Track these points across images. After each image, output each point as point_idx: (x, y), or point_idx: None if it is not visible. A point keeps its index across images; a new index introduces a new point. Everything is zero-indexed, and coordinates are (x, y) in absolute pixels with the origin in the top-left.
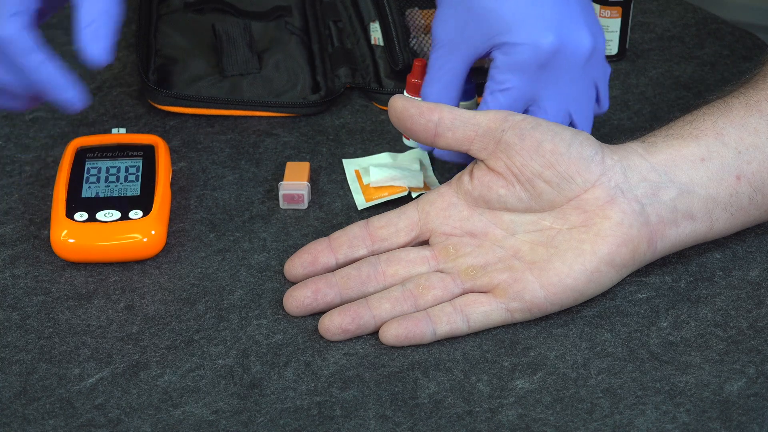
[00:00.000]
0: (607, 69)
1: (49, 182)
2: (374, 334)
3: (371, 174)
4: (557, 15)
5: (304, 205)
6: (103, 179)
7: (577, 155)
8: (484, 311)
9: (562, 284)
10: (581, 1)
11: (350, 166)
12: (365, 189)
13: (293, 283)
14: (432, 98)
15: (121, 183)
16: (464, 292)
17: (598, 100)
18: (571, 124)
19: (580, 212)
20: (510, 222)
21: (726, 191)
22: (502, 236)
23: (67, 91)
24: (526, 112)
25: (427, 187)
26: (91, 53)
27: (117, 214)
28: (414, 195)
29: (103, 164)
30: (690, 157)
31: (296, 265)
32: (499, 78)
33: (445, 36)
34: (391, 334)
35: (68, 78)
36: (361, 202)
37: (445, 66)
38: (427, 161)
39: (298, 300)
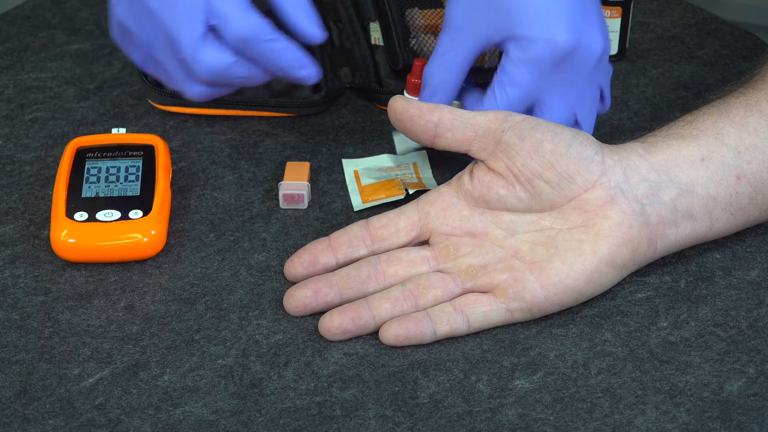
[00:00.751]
0: (611, 69)
1: (49, 182)
2: (374, 334)
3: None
4: (575, 14)
5: (304, 205)
6: (103, 179)
7: (577, 155)
8: (484, 311)
9: (563, 284)
10: (596, 3)
11: (349, 166)
12: (362, 190)
13: (293, 283)
14: (435, 79)
15: (121, 183)
16: (464, 292)
17: (601, 99)
18: (575, 124)
19: (580, 212)
20: (510, 222)
21: (726, 191)
22: (502, 236)
23: (306, 69)
24: (530, 110)
25: (422, 183)
26: (311, 32)
27: (117, 214)
28: (411, 191)
29: (103, 164)
30: (690, 157)
31: (296, 265)
32: (512, 71)
33: (460, 19)
34: (391, 334)
35: (305, 57)
36: (357, 203)
37: (455, 50)
38: (425, 161)
39: (298, 300)
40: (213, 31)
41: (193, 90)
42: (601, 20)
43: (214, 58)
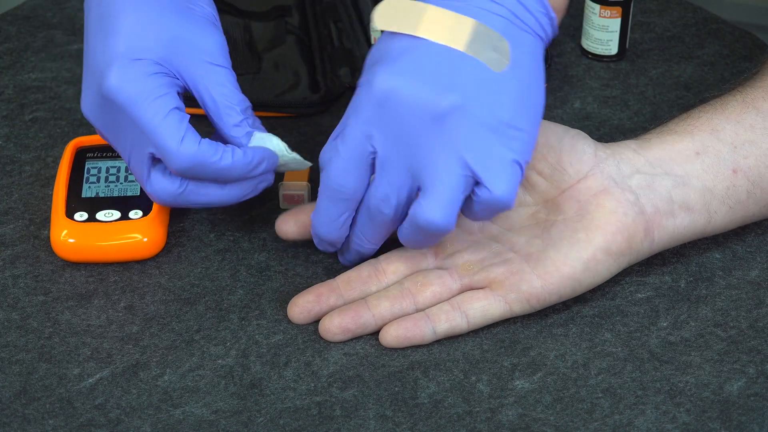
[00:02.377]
0: (510, 160)
1: (49, 182)
2: (374, 334)
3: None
4: (415, 61)
5: None
6: (103, 179)
7: (569, 147)
8: (482, 306)
9: (559, 273)
10: (469, 64)
11: None
12: None
13: (293, 283)
14: None
15: (121, 183)
16: (462, 288)
17: (478, 184)
18: (419, 191)
19: (573, 202)
20: (505, 216)
21: (723, 183)
22: (497, 231)
23: (262, 165)
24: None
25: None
26: (236, 141)
27: (117, 214)
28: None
29: (103, 164)
30: (684, 152)
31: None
32: (352, 103)
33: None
34: (390, 335)
35: (257, 156)
36: None
37: None
38: None
39: (302, 306)
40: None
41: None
42: (467, 82)
43: (163, 188)
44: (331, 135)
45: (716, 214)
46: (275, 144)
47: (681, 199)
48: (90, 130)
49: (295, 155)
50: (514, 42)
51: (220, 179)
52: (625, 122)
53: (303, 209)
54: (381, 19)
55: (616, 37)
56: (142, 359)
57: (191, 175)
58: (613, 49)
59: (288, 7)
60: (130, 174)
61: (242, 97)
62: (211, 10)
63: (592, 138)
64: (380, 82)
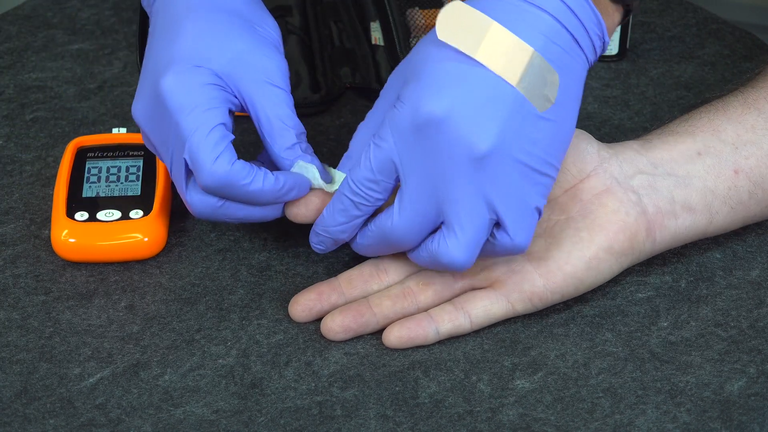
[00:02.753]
0: (529, 213)
1: (50, 182)
2: (374, 334)
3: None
4: (465, 93)
5: None
6: (103, 179)
7: (572, 147)
8: (484, 306)
9: (561, 272)
10: (523, 109)
11: None
12: None
13: (294, 283)
14: (355, 144)
15: (121, 183)
16: (464, 288)
17: (498, 225)
18: (442, 227)
19: (576, 201)
20: None
21: (724, 184)
22: None
23: (294, 191)
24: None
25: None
26: (283, 162)
27: (117, 214)
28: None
29: (104, 164)
30: (686, 152)
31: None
32: (381, 131)
33: (386, 86)
34: (394, 336)
35: (288, 182)
36: None
37: (376, 116)
38: None
39: (303, 304)
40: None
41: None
42: (510, 124)
43: (199, 201)
44: (362, 125)
45: (718, 215)
46: (311, 172)
47: (683, 200)
48: (90, 129)
49: (323, 184)
50: (564, 70)
51: (248, 202)
52: (625, 122)
53: (313, 193)
54: (444, 30)
55: (616, 37)
56: (143, 359)
57: (219, 194)
58: (613, 49)
59: (288, 7)
60: (130, 174)
61: (299, 122)
62: (276, 35)
63: (588, 133)
64: (426, 107)
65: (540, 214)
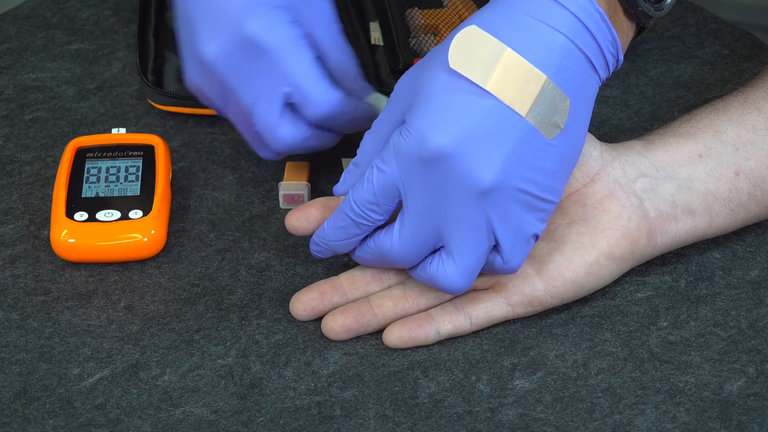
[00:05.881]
0: (525, 235)
1: (49, 182)
2: (374, 334)
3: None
4: (472, 127)
5: None
6: (103, 179)
7: None
8: (485, 307)
9: (562, 277)
10: (527, 143)
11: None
12: None
13: (293, 283)
14: (364, 148)
15: (121, 183)
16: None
17: (496, 248)
18: (441, 251)
19: (579, 206)
20: None
21: (725, 186)
22: None
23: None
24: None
25: None
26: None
27: (117, 214)
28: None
29: (103, 164)
30: (688, 154)
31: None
32: (385, 153)
33: (395, 94)
34: (394, 336)
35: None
36: None
37: (385, 123)
38: None
39: (305, 303)
40: (291, 107)
41: (264, 154)
42: (516, 155)
43: (291, 134)
44: (368, 134)
45: (718, 217)
46: (383, 102)
47: (684, 203)
48: (90, 130)
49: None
50: (576, 94)
51: (339, 129)
52: (625, 122)
53: (313, 204)
54: (456, 59)
55: None
56: (142, 359)
57: (322, 122)
58: None
59: None
60: (130, 174)
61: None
62: None
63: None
64: (433, 142)
65: (537, 239)
